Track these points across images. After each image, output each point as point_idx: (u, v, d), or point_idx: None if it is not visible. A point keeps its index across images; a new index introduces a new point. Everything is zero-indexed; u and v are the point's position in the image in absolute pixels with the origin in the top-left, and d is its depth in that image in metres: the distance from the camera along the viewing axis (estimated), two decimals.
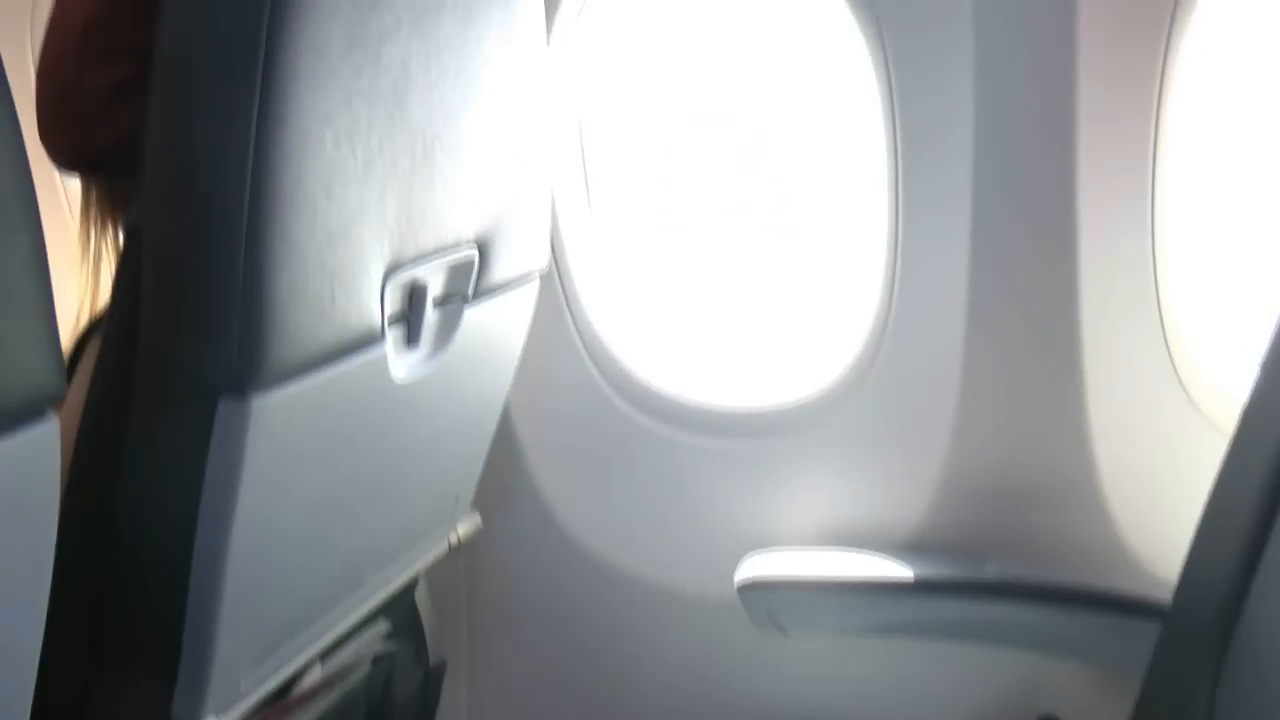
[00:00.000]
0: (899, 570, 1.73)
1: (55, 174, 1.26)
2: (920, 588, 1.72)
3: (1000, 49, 1.67)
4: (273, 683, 1.30)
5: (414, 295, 1.26)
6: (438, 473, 1.54)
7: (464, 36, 1.22)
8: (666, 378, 2.00)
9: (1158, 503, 1.75)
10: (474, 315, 1.38)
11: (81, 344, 1.23)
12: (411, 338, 1.28)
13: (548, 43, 1.46)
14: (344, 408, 1.20)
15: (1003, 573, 1.73)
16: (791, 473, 1.91)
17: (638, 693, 2.07)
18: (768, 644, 1.83)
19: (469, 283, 1.35)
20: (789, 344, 2.10)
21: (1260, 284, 1.84)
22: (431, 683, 1.75)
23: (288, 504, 1.18)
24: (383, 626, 1.60)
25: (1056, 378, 1.73)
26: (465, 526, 1.70)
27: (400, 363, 1.27)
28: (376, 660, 1.57)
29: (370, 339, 1.17)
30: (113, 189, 1.26)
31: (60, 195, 2.00)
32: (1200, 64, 1.70)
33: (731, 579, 1.77)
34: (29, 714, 0.88)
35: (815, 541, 1.88)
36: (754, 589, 1.76)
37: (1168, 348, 1.74)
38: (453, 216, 1.26)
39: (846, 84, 1.87)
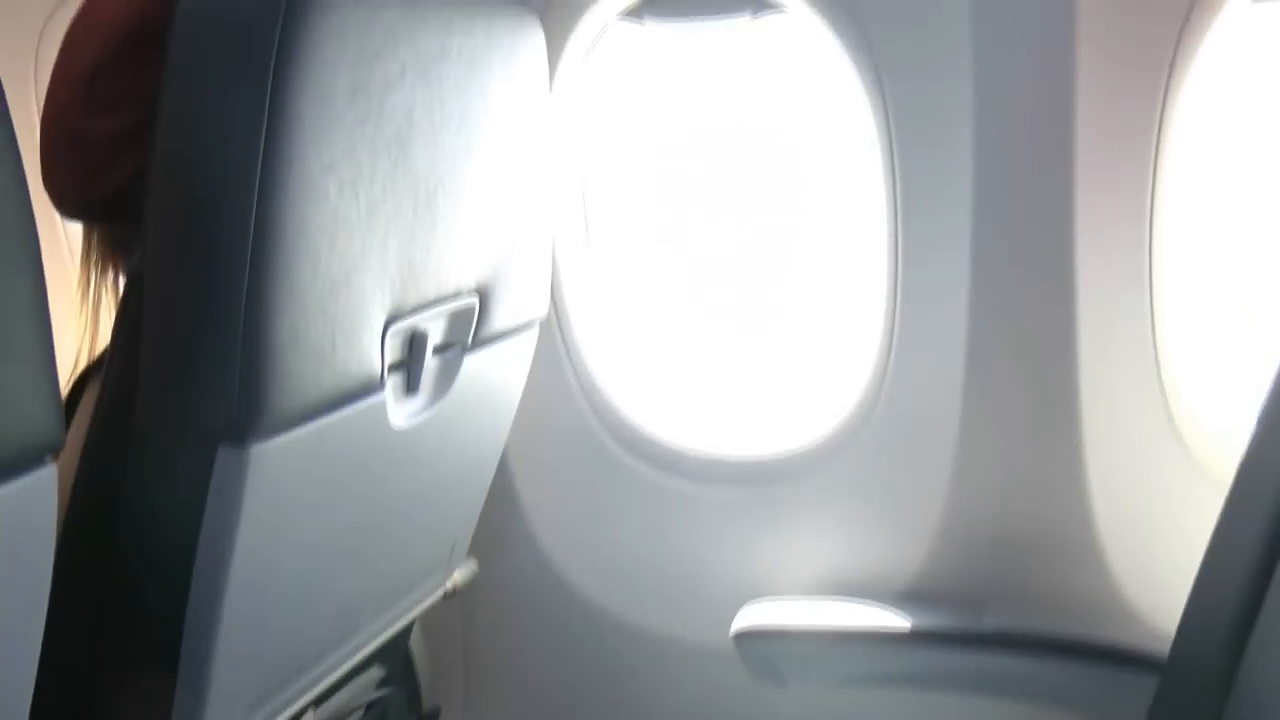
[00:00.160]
0: (896, 620, 1.73)
1: (56, 217, 1.26)
2: (917, 638, 1.71)
3: (999, 96, 1.68)
4: None
5: (414, 343, 1.26)
6: (435, 519, 1.53)
7: (468, 84, 1.23)
8: (664, 425, 2.00)
9: (1155, 554, 1.75)
10: (473, 363, 1.38)
11: (79, 387, 1.23)
12: (411, 385, 1.28)
13: (550, 89, 1.47)
14: (342, 454, 1.20)
15: (1000, 623, 1.72)
16: (789, 521, 1.91)
17: None
18: (765, 693, 1.82)
19: (469, 331, 1.35)
20: (787, 392, 2.11)
21: (1258, 335, 1.85)
22: None
23: (285, 550, 1.18)
24: (377, 673, 1.59)
25: (1054, 428, 1.73)
26: (462, 573, 1.69)
27: (399, 410, 1.27)
28: (370, 707, 1.56)
29: (370, 387, 1.17)
30: (114, 234, 1.26)
31: (61, 239, 2.01)
32: (1197, 114, 1.70)
33: (729, 627, 1.77)
34: None
35: (812, 590, 1.88)
36: (751, 638, 1.76)
37: (1165, 399, 1.74)
38: (454, 265, 1.26)
39: (847, 134, 1.88)
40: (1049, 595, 1.79)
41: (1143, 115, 1.68)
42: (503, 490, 1.92)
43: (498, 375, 1.49)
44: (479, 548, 1.71)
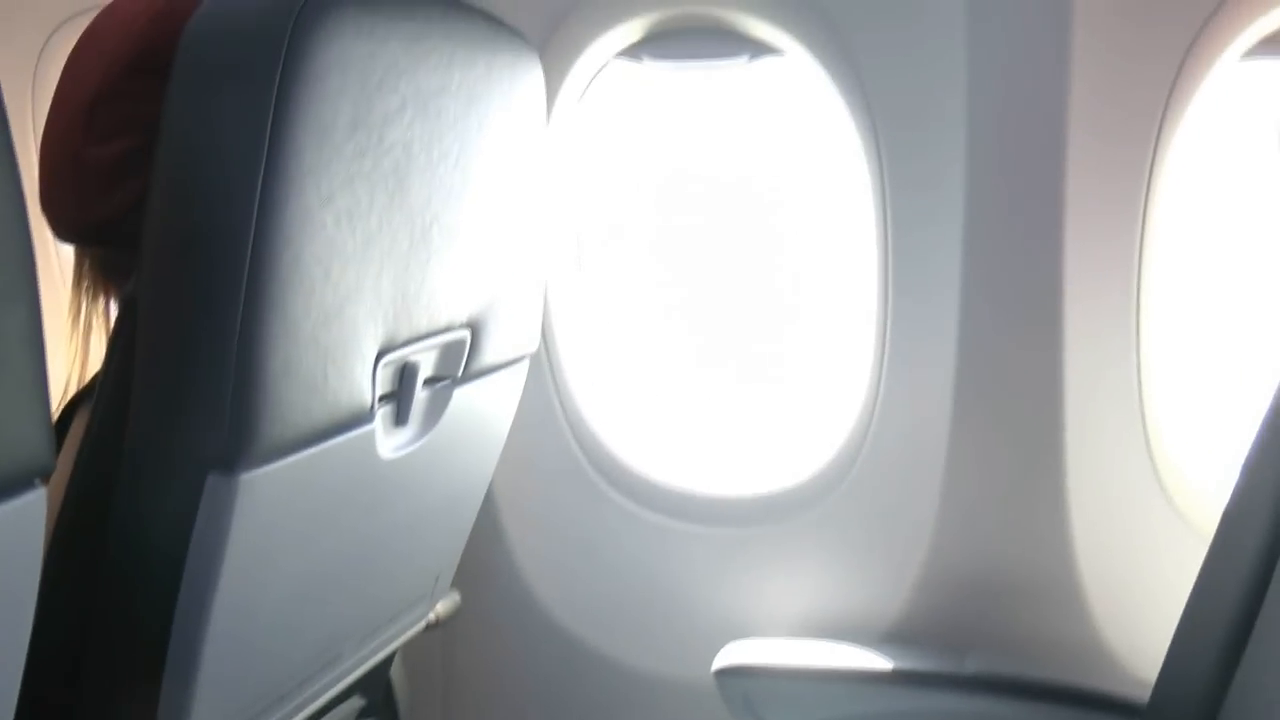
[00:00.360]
0: (878, 662, 1.73)
1: (49, 241, 1.26)
2: (899, 680, 1.71)
3: (991, 141, 1.69)
4: None
5: (405, 375, 1.26)
6: (420, 550, 1.53)
7: (466, 118, 1.23)
8: (651, 462, 2.01)
9: (1138, 601, 1.75)
10: (463, 395, 1.38)
11: (70, 411, 1.23)
12: (400, 417, 1.28)
13: (548, 125, 1.47)
14: (330, 484, 1.20)
15: (982, 667, 1.72)
16: (774, 561, 1.91)
17: None
18: None
19: (459, 364, 1.35)
20: (775, 432, 2.11)
21: (1242, 387, 1.86)
22: None
23: (270, 578, 1.18)
24: (358, 702, 1.58)
25: (1039, 475, 1.74)
26: (445, 604, 1.69)
27: (388, 441, 1.27)
28: None
29: (360, 418, 1.17)
30: (107, 260, 1.26)
31: (53, 263, 2.01)
32: (1187, 164, 1.72)
33: (710, 665, 1.76)
34: None
35: (795, 630, 1.88)
36: (732, 676, 1.75)
37: (1149, 448, 1.75)
38: (447, 298, 1.26)
39: (840, 175, 1.89)
40: (1031, 640, 1.79)
41: (1133, 164, 1.69)
42: (488, 523, 1.92)
43: (487, 408, 1.49)
44: (463, 579, 1.71)
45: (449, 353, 1.33)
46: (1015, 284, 1.73)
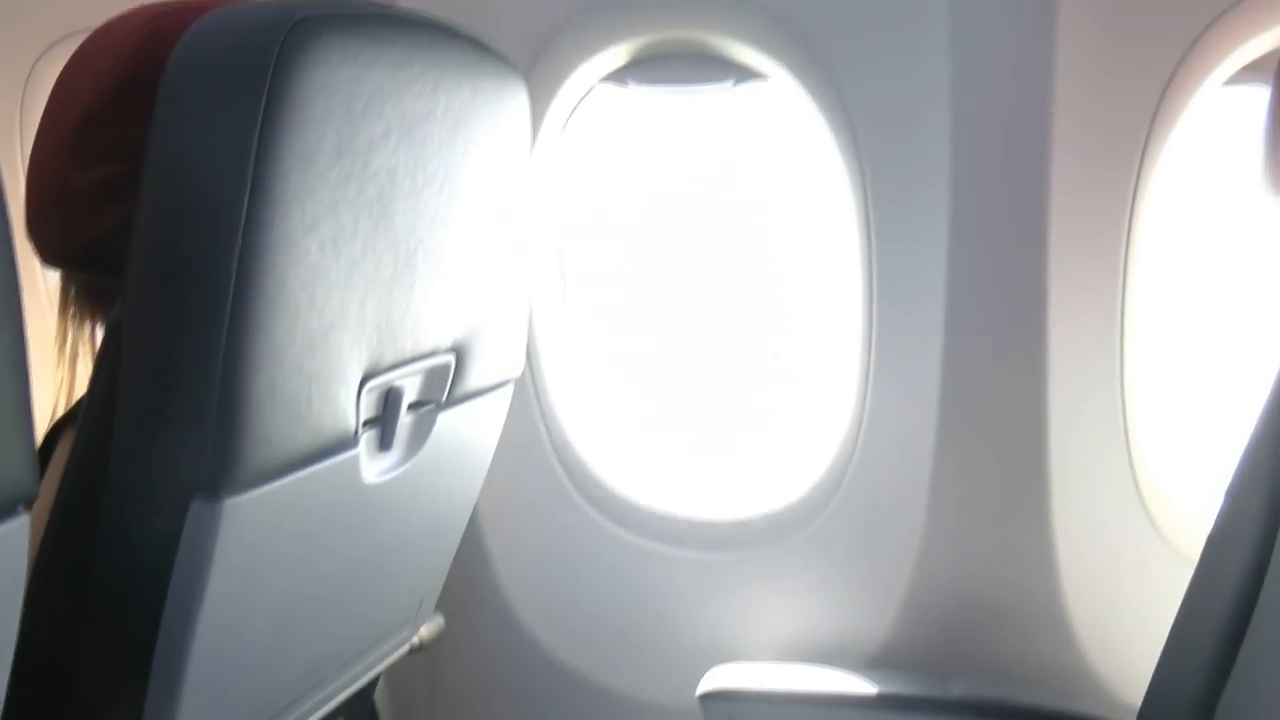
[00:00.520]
0: (862, 686, 1.72)
1: (35, 267, 1.26)
2: (884, 704, 1.71)
3: (975, 166, 1.69)
4: None
5: (389, 400, 1.26)
6: (404, 574, 1.53)
7: (451, 144, 1.23)
8: (636, 485, 2.01)
9: (1122, 626, 1.75)
10: (447, 420, 1.38)
11: (53, 436, 1.22)
12: (385, 442, 1.28)
13: (533, 150, 1.48)
14: (314, 509, 1.19)
15: (967, 691, 1.72)
16: (758, 585, 1.91)
17: None
18: None
19: (444, 388, 1.35)
20: (760, 457, 2.11)
21: (1227, 412, 1.86)
22: None
23: (254, 602, 1.18)
24: None
25: (1023, 499, 1.74)
26: (429, 628, 1.68)
27: (372, 466, 1.26)
28: None
29: (344, 443, 1.17)
30: (92, 285, 1.26)
31: (40, 289, 2.01)
32: (1170, 190, 1.72)
33: (695, 690, 1.76)
34: None
35: (780, 654, 1.88)
36: (717, 700, 1.75)
37: (1133, 472, 1.75)
38: (431, 323, 1.26)
39: (824, 200, 1.89)
40: (1015, 665, 1.79)
41: (1117, 185, 1.70)
42: (473, 546, 1.91)
43: (471, 433, 1.49)
44: (447, 603, 1.71)
45: (433, 377, 1.33)
46: (999, 308, 1.73)
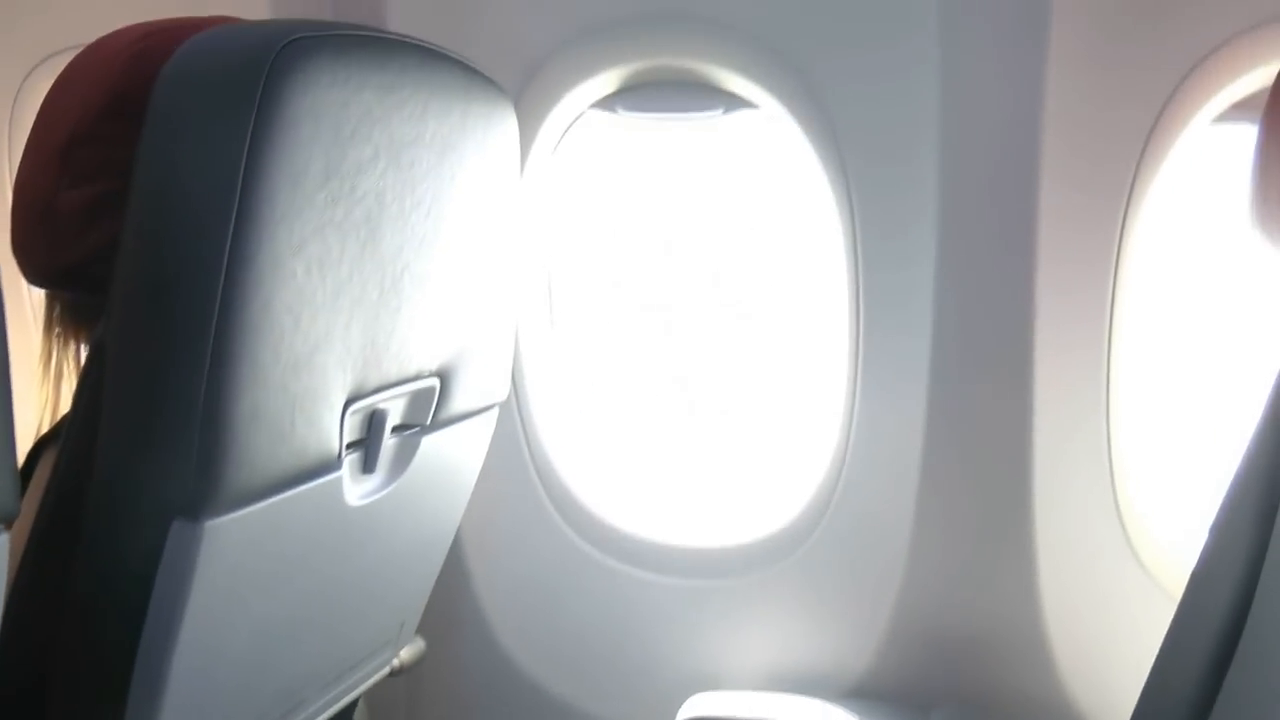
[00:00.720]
0: (843, 717, 1.72)
1: (20, 284, 1.26)
2: None
3: (963, 197, 1.70)
4: None
5: (373, 422, 1.25)
6: (386, 597, 1.52)
7: (440, 168, 1.23)
8: (619, 512, 2.00)
9: (1105, 660, 1.75)
10: (431, 443, 1.38)
11: (35, 453, 1.22)
12: (368, 464, 1.27)
13: (521, 175, 1.48)
14: (296, 531, 1.19)
15: None
16: (740, 613, 1.90)
17: None
18: None
19: (428, 412, 1.35)
20: (745, 486, 2.11)
21: (1212, 447, 1.86)
22: None
23: (233, 624, 1.17)
24: None
25: (1007, 531, 1.74)
26: (409, 651, 1.68)
27: (355, 488, 1.26)
28: None
29: (328, 466, 1.17)
30: (78, 305, 1.26)
31: (25, 307, 2.00)
32: (1159, 224, 1.73)
33: (676, 717, 1.76)
34: None
35: (761, 683, 1.87)
36: None
37: (1118, 505, 1.75)
38: (417, 347, 1.26)
39: (812, 229, 1.89)
40: (998, 697, 1.79)
41: (1106, 220, 1.70)
42: (454, 570, 1.91)
43: (455, 456, 1.48)
44: (428, 626, 1.70)
45: (418, 401, 1.33)
46: (986, 339, 1.73)
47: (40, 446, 1.22)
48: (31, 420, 1.27)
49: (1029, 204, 1.67)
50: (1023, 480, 1.72)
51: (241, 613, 1.17)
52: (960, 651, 1.80)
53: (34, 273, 1.22)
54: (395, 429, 1.31)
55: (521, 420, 1.98)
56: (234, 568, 1.11)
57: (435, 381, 1.33)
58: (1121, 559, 1.76)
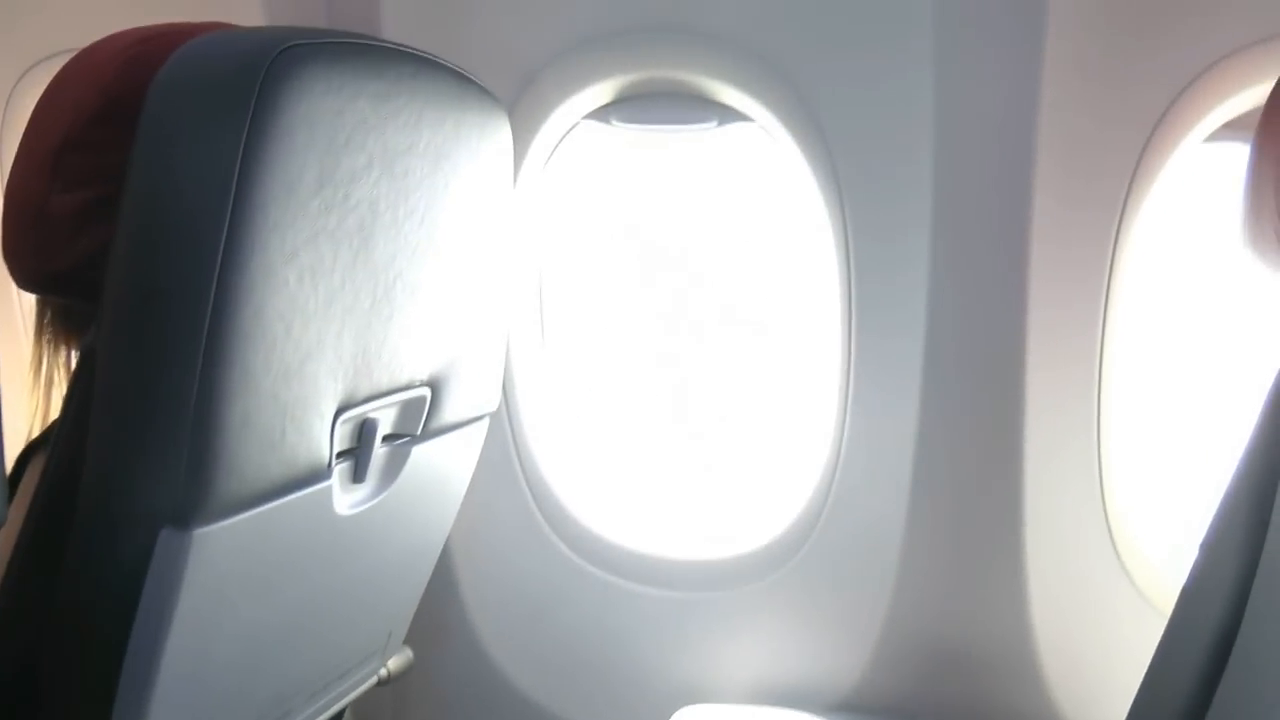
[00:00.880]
0: None
1: (12, 291, 1.25)
2: None
3: (956, 207, 1.70)
4: None
5: (364, 432, 1.25)
6: (374, 606, 1.52)
7: (433, 177, 1.23)
8: (609, 523, 2.00)
9: (1094, 676, 1.75)
10: (422, 453, 1.38)
11: (24, 460, 1.22)
12: (358, 474, 1.27)
13: (515, 185, 1.48)
14: (285, 540, 1.19)
15: None
16: (729, 626, 1.90)
17: None
18: None
19: (419, 421, 1.35)
20: (735, 498, 2.11)
21: (1203, 463, 1.87)
22: None
23: (221, 632, 1.17)
24: None
25: (997, 546, 1.74)
26: (397, 661, 1.67)
27: (345, 497, 1.26)
28: None
29: (318, 475, 1.17)
30: (69, 311, 1.26)
31: (15, 313, 1.99)
32: (1151, 242, 1.73)
33: None
34: None
35: (750, 697, 1.87)
36: None
37: (1108, 521, 1.75)
38: (408, 356, 1.26)
39: (805, 241, 1.89)
40: (987, 712, 1.79)
41: (1099, 235, 1.71)
42: (443, 580, 1.90)
43: (445, 466, 1.48)
44: (416, 636, 1.70)
45: (409, 410, 1.33)
46: (977, 354, 1.73)
47: (29, 452, 1.22)
48: (22, 428, 1.27)
49: (1022, 216, 1.67)
50: (1014, 495, 1.72)
51: (230, 621, 1.17)
52: (950, 666, 1.79)
53: (24, 278, 1.22)
54: (386, 438, 1.31)
55: (512, 431, 1.98)
56: (222, 576, 1.11)
57: (426, 391, 1.33)
58: (1112, 575, 1.76)
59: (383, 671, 1.63)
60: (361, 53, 1.12)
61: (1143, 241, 1.72)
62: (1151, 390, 1.85)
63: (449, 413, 1.39)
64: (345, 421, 1.20)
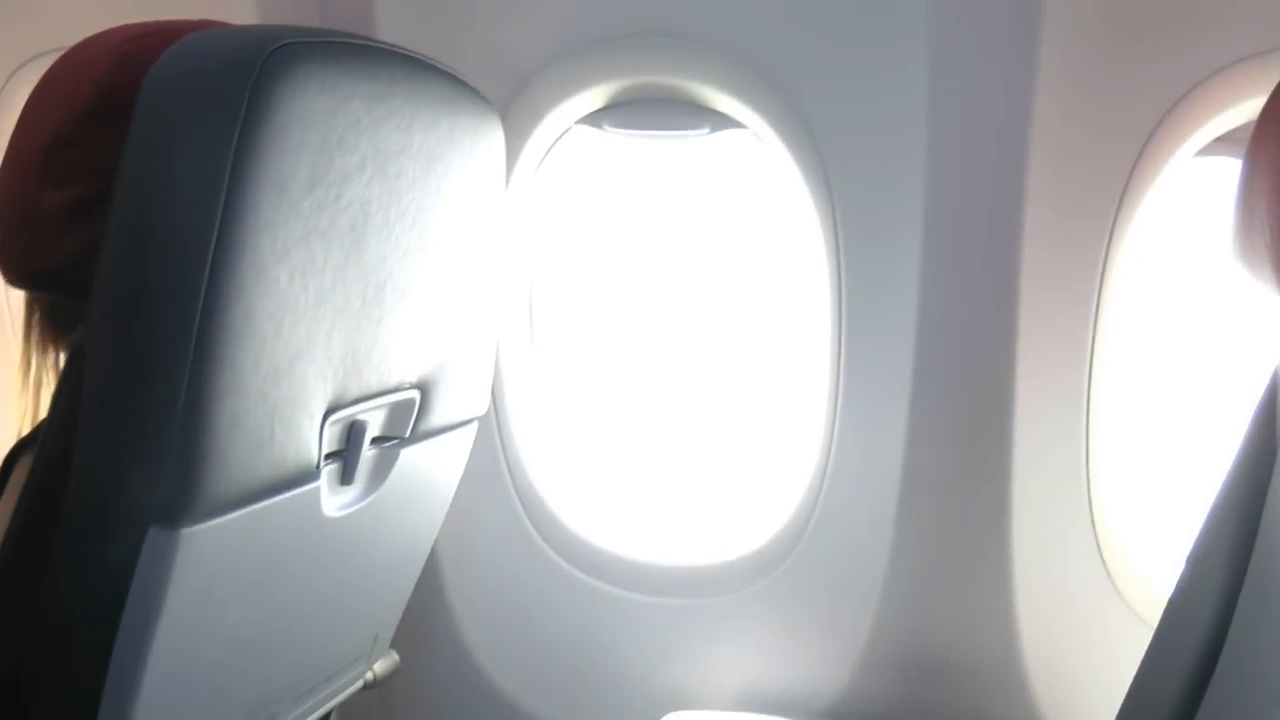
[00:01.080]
0: None
1: (2, 293, 1.25)
2: None
3: (947, 219, 1.70)
4: None
5: (352, 433, 1.25)
6: (361, 609, 1.52)
7: (425, 179, 1.23)
8: (597, 529, 2.00)
9: (1080, 687, 1.75)
10: (410, 455, 1.37)
11: (12, 459, 1.21)
12: (346, 475, 1.27)
13: (507, 188, 1.47)
14: (273, 541, 1.18)
15: None
16: (717, 633, 1.90)
17: None
18: None
19: (408, 424, 1.34)
20: (723, 506, 2.11)
21: (1190, 475, 1.87)
22: None
23: (208, 633, 1.16)
24: None
25: (985, 556, 1.74)
26: (383, 665, 1.67)
27: (333, 499, 1.26)
28: None
29: (306, 475, 1.16)
30: (57, 309, 1.25)
31: (4, 316, 1.99)
32: (1141, 254, 1.74)
33: None
34: None
35: (736, 704, 1.87)
36: None
37: (1095, 533, 1.75)
38: (398, 358, 1.26)
39: (796, 249, 1.90)
40: None
41: (1090, 244, 1.71)
42: (430, 584, 1.90)
43: (433, 469, 1.48)
44: (401, 640, 1.69)
45: (398, 413, 1.32)
46: (967, 362, 1.74)
47: (17, 451, 1.22)
48: (10, 427, 1.26)
49: (1014, 225, 1.68)
50: (1001, 503, 1.73)
51: (217, 621, 1.17)
52: (936, 675, 1.80)
53: (13, 274, 1.21)
54: (374, 440, 1.31)
55: (500, 435, 1.97)
56: (210, 576, 1.11)
57: (415, 394, 1.33)
58: (1098, 585, 1.76)
59: (369, 675, 1.63)
60: (356, 53, 1.12)
61: (1134, 252, 1.72)
62: (1140, 401, 1.85)
63: (438, 416, 1.39)
64: (334, 423, 1.19)
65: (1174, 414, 1.93)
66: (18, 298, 1.30)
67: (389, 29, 1.83)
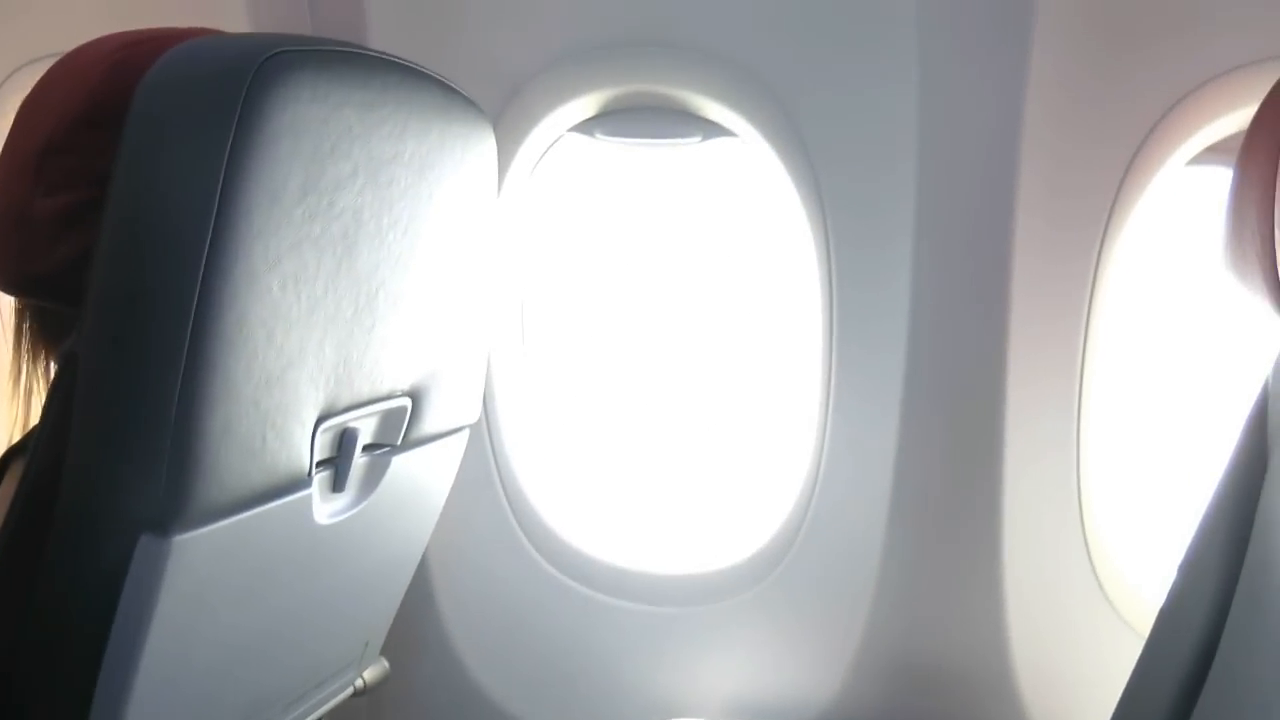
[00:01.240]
0: None
1: None
2: None
3: (938, 225, 1.70)
4: None
5: (344, 441, 1.25)
6: (352, 616, 1.51)
7: (417, 187, 1.23)
8: (587, 537, 2.00)
9: (1071, 695, 1.75)
10: (401, 463, 1.37)
11: (3, 466, 1.21)
12: (338, 483, 1.27)
13: (499, 196, 1.47)
14: (264, 548, 1.18)
15: None
16: (707, 641, 1.90)
17: None
18: None
19: (399, 432, 1.34)
20: (715, 513, 2.11)
21: (1181, 484, 1.87)
22: None
23: (199, 640, 1.16)
24: None
25: (976, 565, 1.74)
26: (373, 672, 1.67)
27: (324, 506, 1.25)
28: None
29: (298, 483, 1.16)
30: (47, 317, 1.25)
31: None
32: (1132, 262, 1.74)
33: None
34: None
35: (727, 712, 1.87)
36: None
37: (1086, 541, 1.76)
38: (389, 366, 1.26)
39: (788, 256, 1.90)
40: None
41: (1081, 253, 1.72)
42: (420, 591, 1.90)
43: (425, 477, 1.48)
44: (392, 647, 1.69)
45: (389, 420, 1.32)
46: (958, 369, 1.74)
47: (9, 457, 1.21)
48: (1, 434, 1.26)
49: (1005, 232, 1.68)
50: (993, 511, 1.73)
51: (208, 627, 1.16)
52: (927, 683, 1.80)
53: (5, 280, 1.21)
54: (366, 448, 1.31)
55: (491, 443, 1.97)
56: (201, 583, 1.11)
57: (407, 401, 1.33)
58: (1089, 595, 1.76)
59: (359, 682, 1.63)
60: (348, 61, 1.12)
61: (1124, 261, 1.73)
62: (1131, 409, 1.85)
63: (429, 423, 1.39)
64: (326, 430, 1.19)
65: (1164, 422, 1.93)
66: (7, 305, 1.29)
67: (381, 36, 1.83)
